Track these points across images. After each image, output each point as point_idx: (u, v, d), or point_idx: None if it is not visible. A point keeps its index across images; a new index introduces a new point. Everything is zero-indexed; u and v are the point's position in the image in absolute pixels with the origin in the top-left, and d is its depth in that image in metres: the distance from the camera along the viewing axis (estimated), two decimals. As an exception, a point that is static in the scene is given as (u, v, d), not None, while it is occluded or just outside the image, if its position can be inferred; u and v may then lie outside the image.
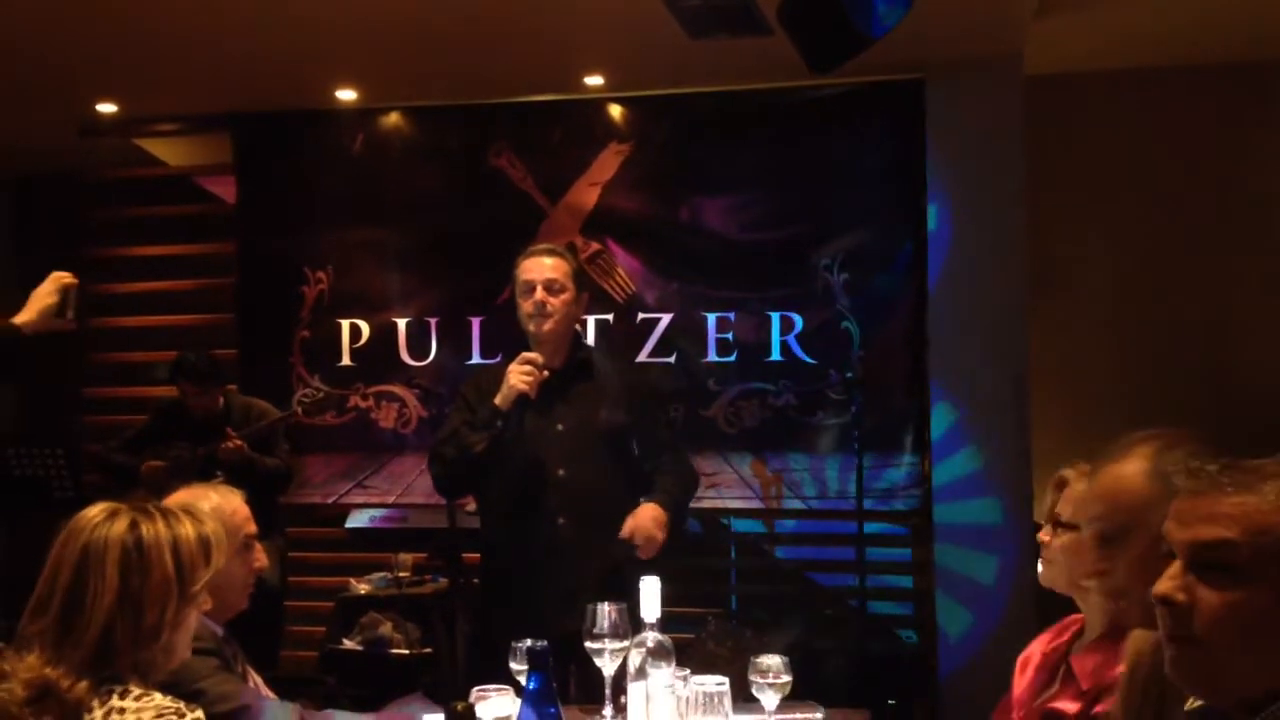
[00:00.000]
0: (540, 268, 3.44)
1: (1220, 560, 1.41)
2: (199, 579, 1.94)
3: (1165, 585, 1.44)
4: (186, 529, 1.95)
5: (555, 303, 3.40)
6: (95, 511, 1.92)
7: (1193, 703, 1.55)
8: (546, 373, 3.36)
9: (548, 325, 3.40)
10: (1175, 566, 1.44)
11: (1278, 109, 5.69)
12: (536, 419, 3.40)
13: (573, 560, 3.31)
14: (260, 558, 2.52)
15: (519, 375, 3.31)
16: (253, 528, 2.49)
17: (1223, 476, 1.44)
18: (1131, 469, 1.80)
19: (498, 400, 3.34)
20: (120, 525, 1.89)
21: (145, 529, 1.90)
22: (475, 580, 5.13)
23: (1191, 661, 1.43)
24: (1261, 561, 1.39)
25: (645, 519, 3.30)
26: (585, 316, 5.71)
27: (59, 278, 3.19)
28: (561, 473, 3.39)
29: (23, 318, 3.13)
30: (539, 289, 3.40)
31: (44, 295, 3.15)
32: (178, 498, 2.35)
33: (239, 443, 5.05)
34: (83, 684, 1.81)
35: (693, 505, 5.60)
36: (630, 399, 3.53)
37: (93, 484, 5.56)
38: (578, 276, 3.50)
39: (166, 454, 5.17)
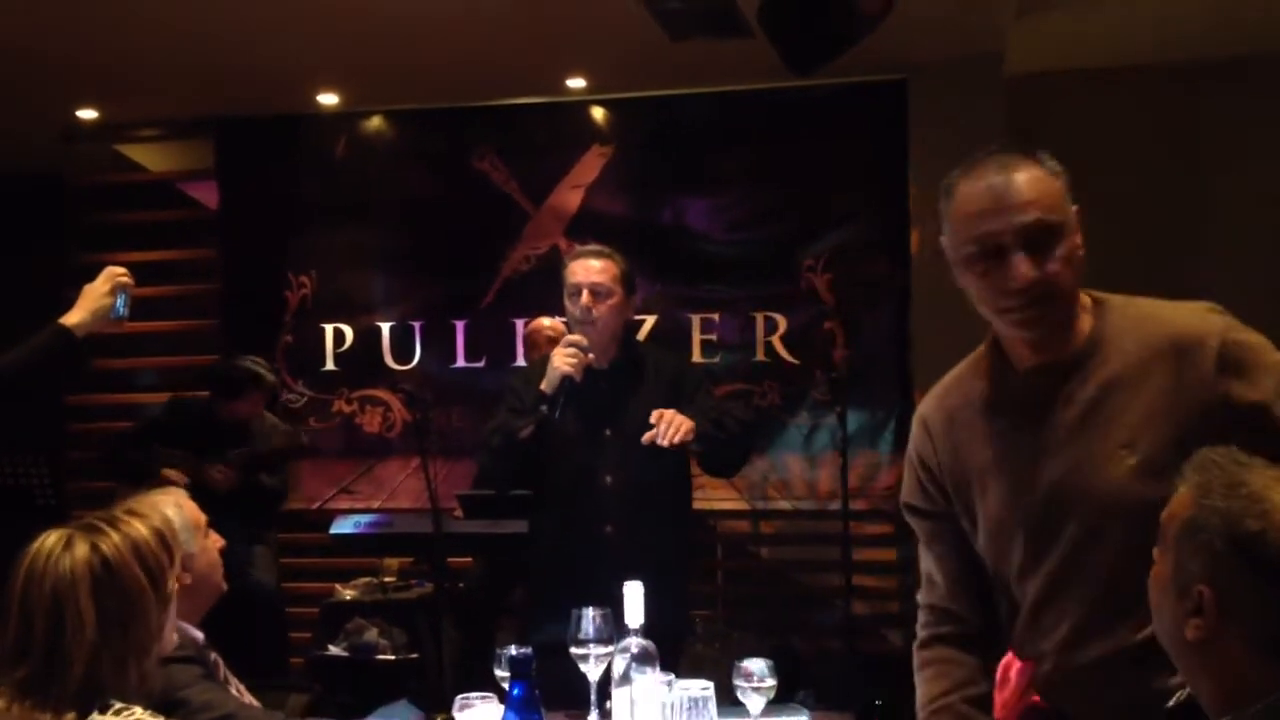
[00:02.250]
0: (587, 270, 3.36)
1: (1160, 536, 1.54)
2: (169, 578, 1.91)
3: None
4: (141, 529, 1.90)
5: (600, 309, 3.33)
6: (50, 543, 1.85)
7: (1178, 698, 1.57)
8: (591, 355, 3.30)
9: (592, 333, 3.33)
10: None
11: (1259, 105, 5.71)
12: (584, 423, 3.32)
13: (618, 569, 3.22)
14: (217, 538, 2.51)
15: (563, 358, 3.25)
16: (204, 518, 2.48)
17: (1195, 468, 1.52)
18: None
19: (543, 385, 3.28)
20: (80, 551, 1.83)
21: (105, 545, 1.84)
22: (461, 585, 5.14)
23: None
24: (1167, 539, 1.51)
25: (669, 411, 3.16)
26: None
27: (114, 274, 2.88)
28: (609, 479, 3.31)
29: (74, 318, 2.82)
30: (585, 293, 3.32)
31: (99, 294, 2.85)
32: (129, 504, 2.34)
33: (225, 474, 4.93)
34: (70, 715, 1.77)
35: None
36: (680, 389, 3.42)
37: (75, 492, 5.53)
38: (626, 278, 3.40)
39: (184, 460, 5.01)
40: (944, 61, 5.29)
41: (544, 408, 3.26)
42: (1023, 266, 1.80)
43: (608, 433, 3.34)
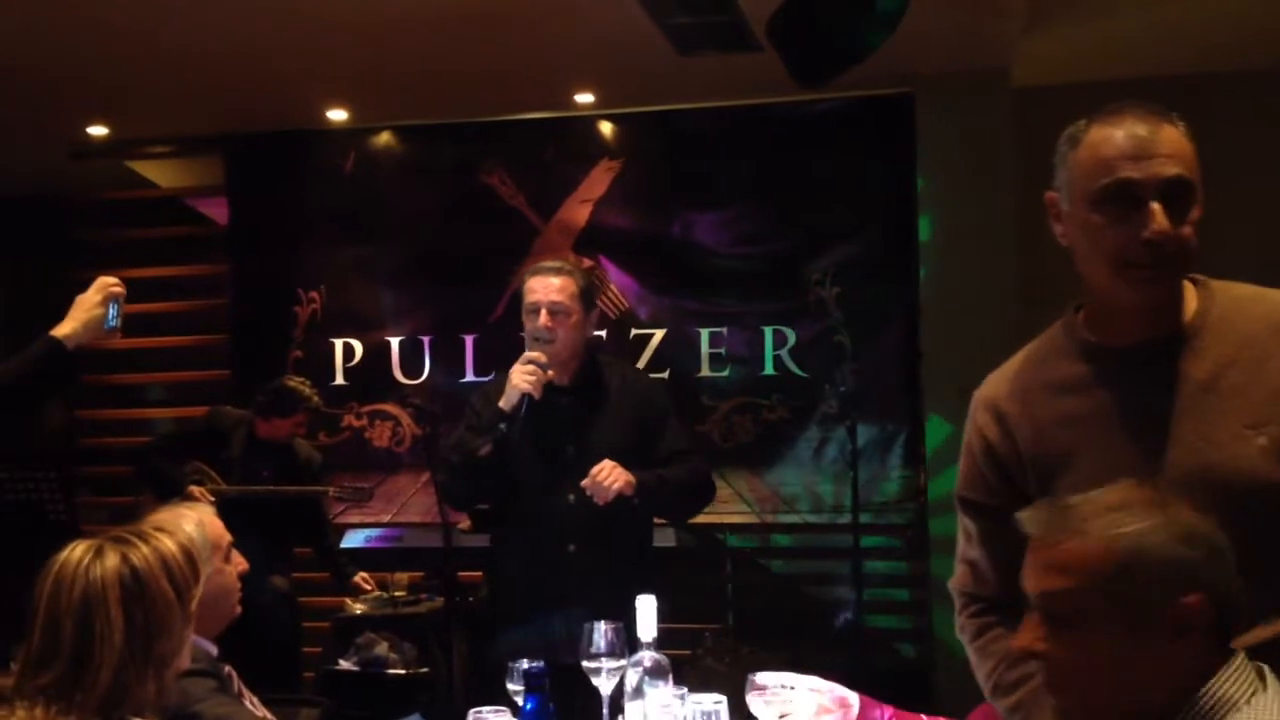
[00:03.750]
0: (546, 288, 3.30)
1: (1063, 609, 1.46)
2: (195, 595, 1.93)
3: (1024, 639, 1.50)
4: (169, 545, 1.92)
5: (559, 330, 3.29)
6: (80, 552, 1.86)
7: None
8: (551, 373, 3.26)
9: (550, 351, 3.28)
10: (1034, 618, 1.49)
11: (1265, 118, 5.71)
12: (545, 441, 3.29)
13: (584, 588, 3.15)
14: (241, 561, 2.51)
15: (521, 375, 3.20)
16: (229, 537, 2.49)
17: (1055, 521, 1.48)
18: None
19: (501, 402, 3.23)
20: (111, 560, 1.84)
21: (135, 557, 1.86)
22: (471, 599, 5.14)
23: (1063, 711, 1.50)
24: (1099, 604, 1.44)
25: (609, 463, 3.16)
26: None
27: (106, 284, 2.81)
28: (571, 498, 3.24)
29: (65, 329, 2.75)
30: (543, 313, 3.28)
31: (91, 305, 2.78)
32: (157, 519, 2.36)
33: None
34: None
35: (688, 520, 5.64)
36: (646, 412, 3.40)
37: (84, 506, 5.54)
38: (585, 295, 3.36)
39: (203, 476, 5.02)
40: (951, 75, 5.30)
41: (502, 426, 3.22)
42: (1160, 217, 1.73)
43: (570, 451, 3.29)
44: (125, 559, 1.85)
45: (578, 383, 3.38)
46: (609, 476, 3.15)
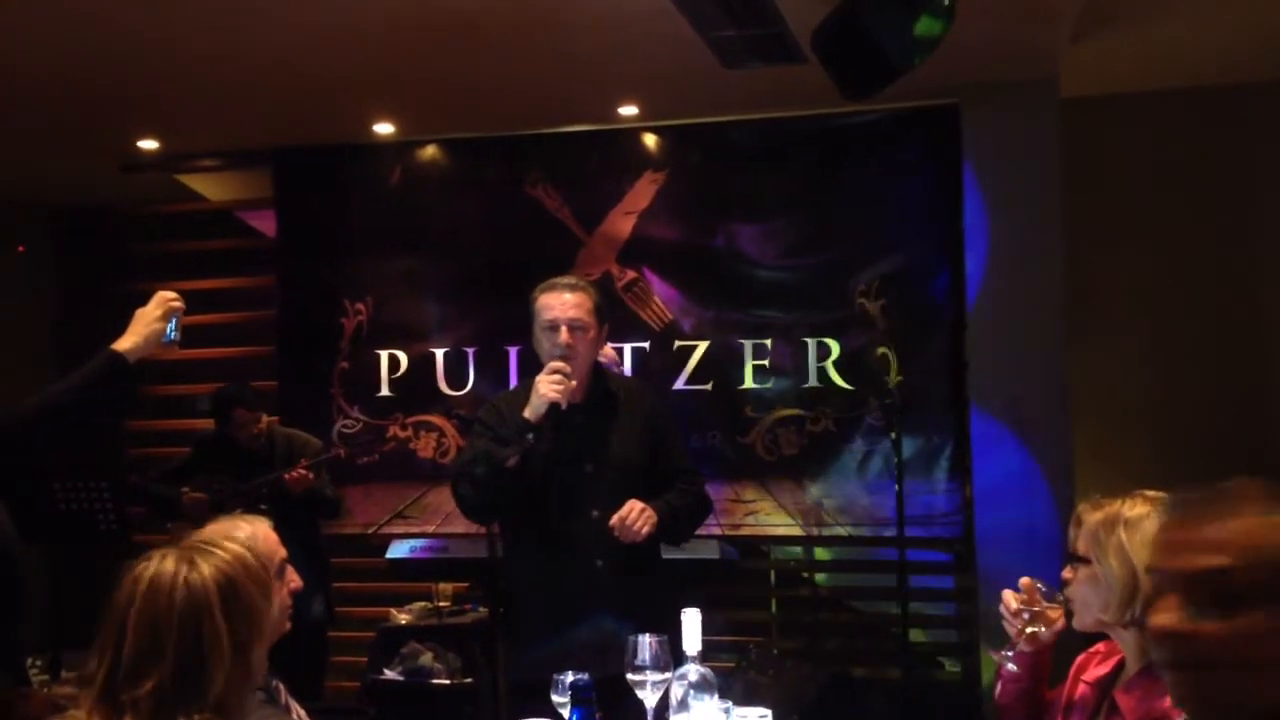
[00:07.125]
0: (563, 305, 3.32)
1: (1218, 588, 1.41)
2: (275, 595, 1.99)
3: (1168, 618, 1.44)
4: (242, 550, 1.92)
5: (579, 346, 3.29)
6: (171, 562, 1.84)
7: None
8: (574, 383, 3.26)
9: (572, 367, 3.28)
10: (1172, 598, 1.44)
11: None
12: (564, 459, 3.28)
13: (612, 602, 3.18)
14: (295, 578, 2.52)
15: (549, 384, 3.20)
16: (284, 552, 2.50)
17: (1202, 503, 1.44)
18: None
19: (527, 412, 3.22)
20: (205, 569, 1.83)
21: (224, 565, 1.86)
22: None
23: (1198, 686, 1.43)
24: (1259, 583, 1.39)
25: (636, 505, 3.18)
26: (622, 345, 5.72)
27: (165, 299, 2.85)
28: (595, 514, 3.24)
29: (126, 343, 2.78)
30: (563, 330, 3.28)
31: (151, 319, 2.81)
32: (211, 530, 2.37)
33: (306, 473, 4.95)
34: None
35: (732, 533, 5.64)
36: (654, 424, 3.42)
37: (136, 516, 5.59)
38: (599, 310, 3.37)
39: (209, 486, 5.16)
40: (998, 85, 5.27)
41: (530, 436, 3.20)
42: None
43: (589, 468, 3.29)
44: (217, 567, 1.85)
45: (591, 399, 3.37)
46: (637, 520, 3.16)
